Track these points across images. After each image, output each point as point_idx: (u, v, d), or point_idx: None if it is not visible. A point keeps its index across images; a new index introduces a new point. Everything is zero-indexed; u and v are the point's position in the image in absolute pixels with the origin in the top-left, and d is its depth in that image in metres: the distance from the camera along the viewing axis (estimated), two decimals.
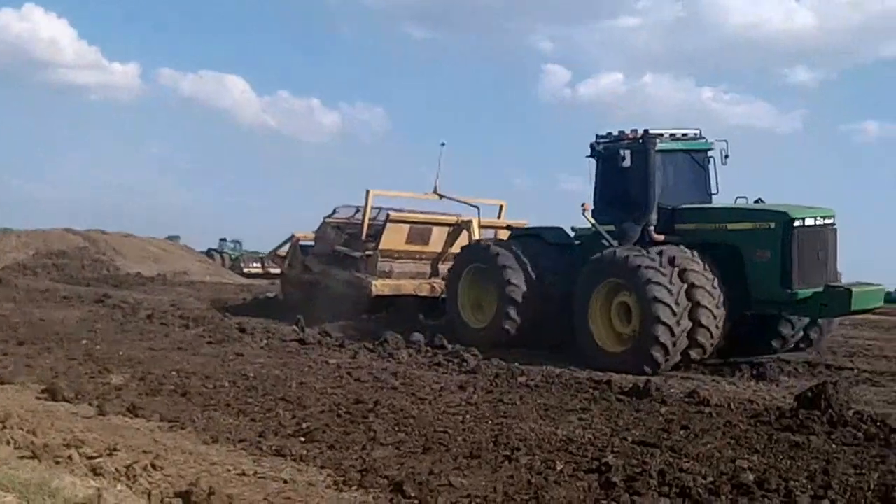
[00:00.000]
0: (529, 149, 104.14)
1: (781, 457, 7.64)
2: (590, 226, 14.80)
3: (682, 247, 13.48)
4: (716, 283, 13.06)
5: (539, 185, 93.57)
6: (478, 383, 11.32)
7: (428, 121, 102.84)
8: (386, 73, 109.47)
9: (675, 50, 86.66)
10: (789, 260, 13.09)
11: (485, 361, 13.19)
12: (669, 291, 12.70)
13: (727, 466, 7.18)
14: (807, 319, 14.24)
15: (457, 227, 19.73)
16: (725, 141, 15.02)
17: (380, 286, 18.58)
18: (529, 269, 15.14)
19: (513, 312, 15.03)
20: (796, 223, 13.15)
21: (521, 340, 15.01)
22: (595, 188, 15.23)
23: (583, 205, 14.61)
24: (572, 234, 15.85)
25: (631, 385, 11.01)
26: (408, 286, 19.18)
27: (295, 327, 16.81)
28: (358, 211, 20.35)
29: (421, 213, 20.24)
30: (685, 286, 12.81)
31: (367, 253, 19.07)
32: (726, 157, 15.00)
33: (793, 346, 14.65)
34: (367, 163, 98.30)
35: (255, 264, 52.07)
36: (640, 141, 14.59)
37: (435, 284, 19.23)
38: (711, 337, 12.97)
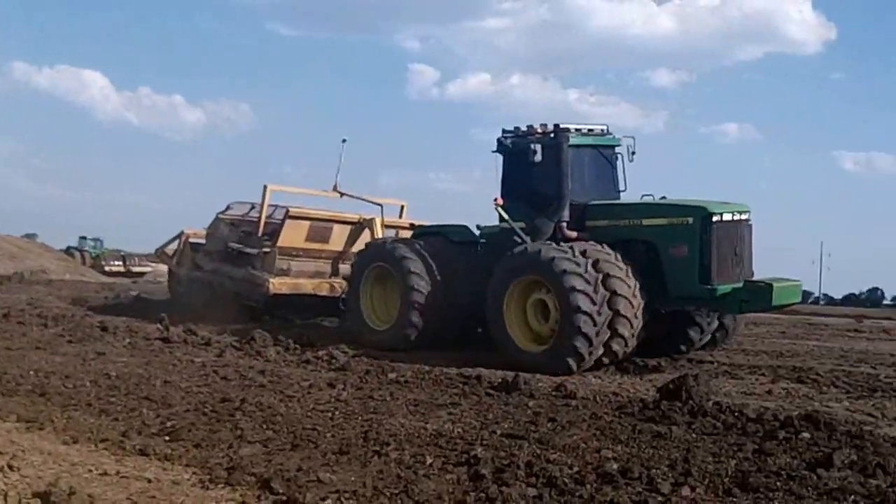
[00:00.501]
0: (398, 148, 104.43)
1: (644, 446, 7.83)
2: (496, 223, 14.64)
3: (603, 245, 13.31)
4: (637, 291, 12.85)
5: (409, 184, 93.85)
6: (347, 380, 11.24)
7: (294, 119, 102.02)
8: (252, 70, 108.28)
9: (541, 52, 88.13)
10: (707, 255, 13.02)
11: (355, 359, 13.15)
12: (587, 281, 12.44)
13: (592, 457, 7.32)
14: (715, 320, 14.39)
15: (358, 226, 19.14)
16: (632, 138, 14.98)
17: (277, 284, 17.99)
18: (434, 268, 14.75)
19: (416, 314, 14.66)
20: (714, 218, 13.09)
21: (424, 342, 14.69)
22: (502, 184, 14.87)
23: (495, 199, 14.32)
24: (477, 231, 15.50)
25: (500, 380, 11.14)
26: (307, 285, 18.57)
27: (159, 325, 16.40)
28: (253, 207, 19.72)
29: (322, 210, 19.58)
30: (608, 294, 12.57)
31: (264, 250, 18.40)
32: (633, 153, 14.90)
33: (701, 346, 14.75)
34: (232, 161, 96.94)
35: (116, 262, 50.95)
36: (552, 135, 14.35)
37: (335, 284, 18.51)
38: (631, 339, 12.81)
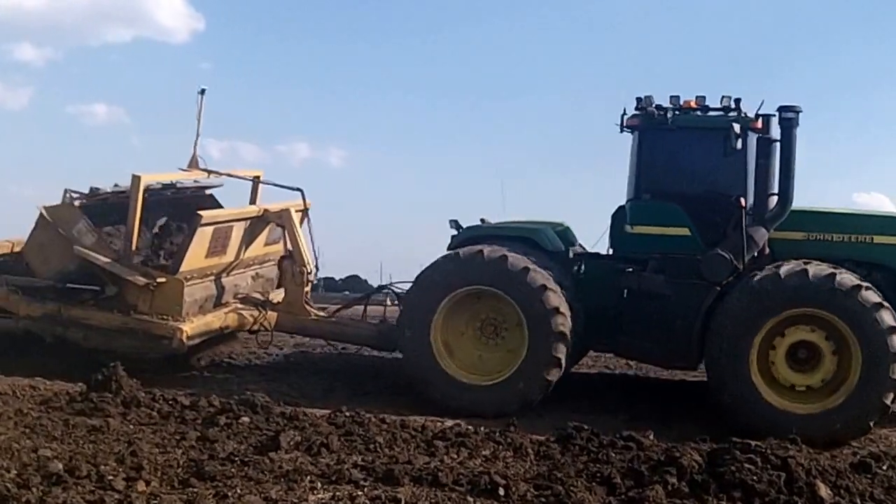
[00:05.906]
0: None
1: (83, 442, 7.50)
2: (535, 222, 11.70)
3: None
4: None
5: None
6: None
7: None
8: None
9: None
10: None
11: None
12: (890, 310, 9.62)
13: (30, 457, 6.76)
14: None
15: (257, 223, 12.76)
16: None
17: (191, 329, 11.32)
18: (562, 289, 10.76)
19: (562, 349, 10.46)
20: None
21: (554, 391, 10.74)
22: (639, 173, 11.17)
23: (737, 197, 10.47)
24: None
25: None
26: (214, 321, 11.94)
27: None
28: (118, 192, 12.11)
29: (227, 209, 13.00)
30: None
31: (158, 280, 11.27)
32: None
33: None
34: None
35: None
36: (778, 114, 10.56)
37: (242, 311, 12.32)
38: None
